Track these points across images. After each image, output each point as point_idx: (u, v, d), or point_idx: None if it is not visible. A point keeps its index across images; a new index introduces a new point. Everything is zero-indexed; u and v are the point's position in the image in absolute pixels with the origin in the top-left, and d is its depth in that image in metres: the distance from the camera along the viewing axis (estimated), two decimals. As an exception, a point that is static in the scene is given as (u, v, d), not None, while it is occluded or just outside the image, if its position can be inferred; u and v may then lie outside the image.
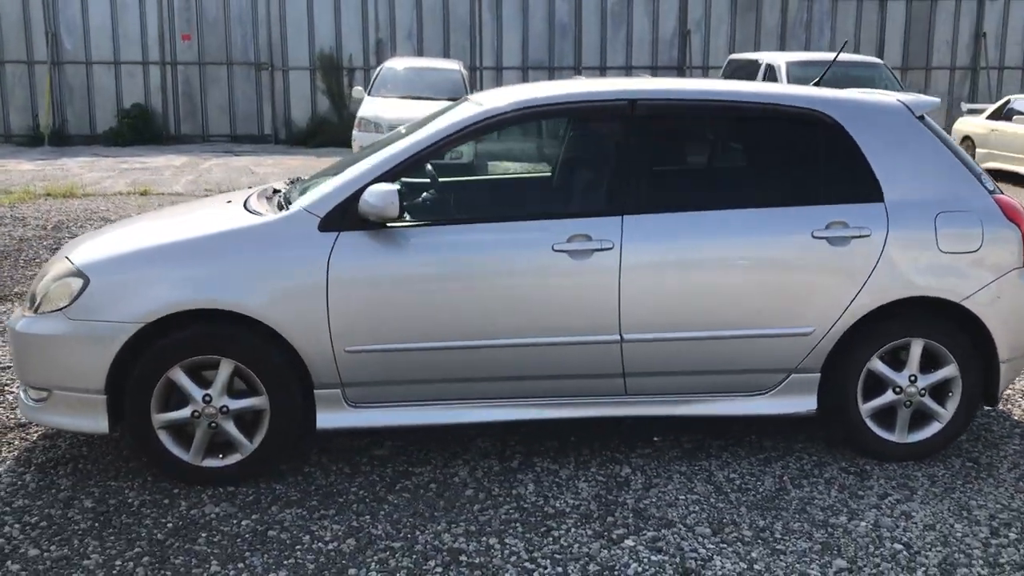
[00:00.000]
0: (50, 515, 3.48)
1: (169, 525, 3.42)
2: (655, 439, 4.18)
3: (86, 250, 3.84)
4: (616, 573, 3.14)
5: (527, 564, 3.19)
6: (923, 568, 3.21)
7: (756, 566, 3.19)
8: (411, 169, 3.76)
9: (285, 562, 3.19)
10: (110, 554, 3.22)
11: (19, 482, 3.75)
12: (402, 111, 14.08)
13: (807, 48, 21.07)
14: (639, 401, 3.89)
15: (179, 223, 4.09)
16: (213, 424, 3.67)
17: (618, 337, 3.76)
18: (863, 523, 3.50)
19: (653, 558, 3.23)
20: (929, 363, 3.96)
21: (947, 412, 3.98)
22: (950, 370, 3.94)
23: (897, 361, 3.96)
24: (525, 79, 20.41)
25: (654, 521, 3.49)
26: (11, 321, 3.83)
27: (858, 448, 4.03)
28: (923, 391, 3.95)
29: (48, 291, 3.70)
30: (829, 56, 16.85)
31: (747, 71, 15.32)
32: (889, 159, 3.90)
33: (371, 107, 14.22)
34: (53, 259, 4.08)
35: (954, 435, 4.02)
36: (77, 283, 3.64)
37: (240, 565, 3.16)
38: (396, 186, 3.53)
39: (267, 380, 3.66)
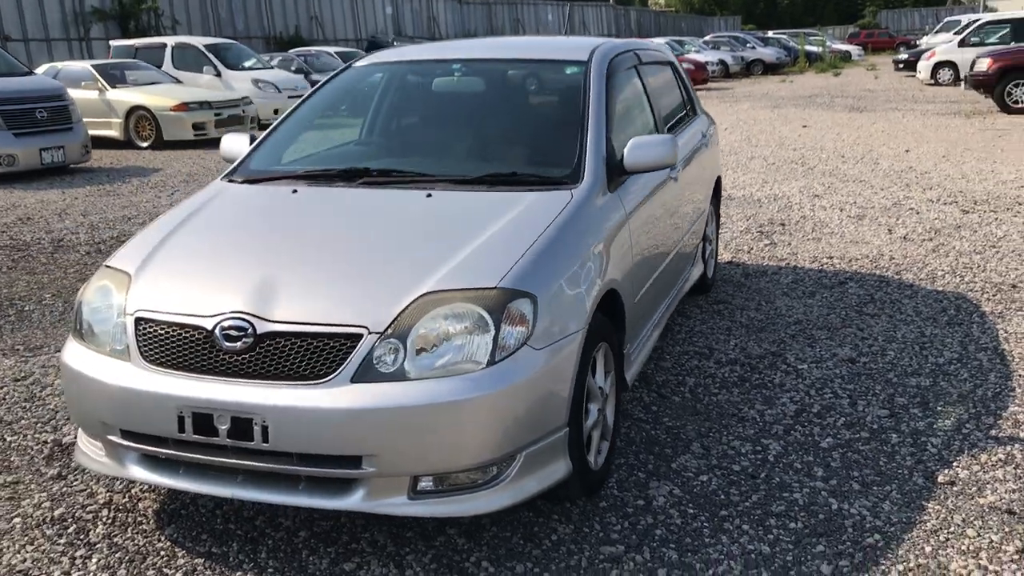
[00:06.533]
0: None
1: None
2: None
3: (490, 265, 2.98)
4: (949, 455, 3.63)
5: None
6: (936, 357, 4.68)
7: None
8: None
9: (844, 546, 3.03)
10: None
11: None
12: None
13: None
14: None
15: (443, 217, 3.40)
16: (604, 417, 3.33)
17: None
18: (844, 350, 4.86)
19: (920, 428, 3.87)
20: None
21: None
22: None
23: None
24: None
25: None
26: (412, 399, 2.66)
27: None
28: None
29: (502, 332, 2.80)
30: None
31: None
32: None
33: None
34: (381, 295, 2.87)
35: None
36: (527, 306, 2.87)
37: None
38: (672, 135, 3.69)
39: (615, 356, 3.43)
